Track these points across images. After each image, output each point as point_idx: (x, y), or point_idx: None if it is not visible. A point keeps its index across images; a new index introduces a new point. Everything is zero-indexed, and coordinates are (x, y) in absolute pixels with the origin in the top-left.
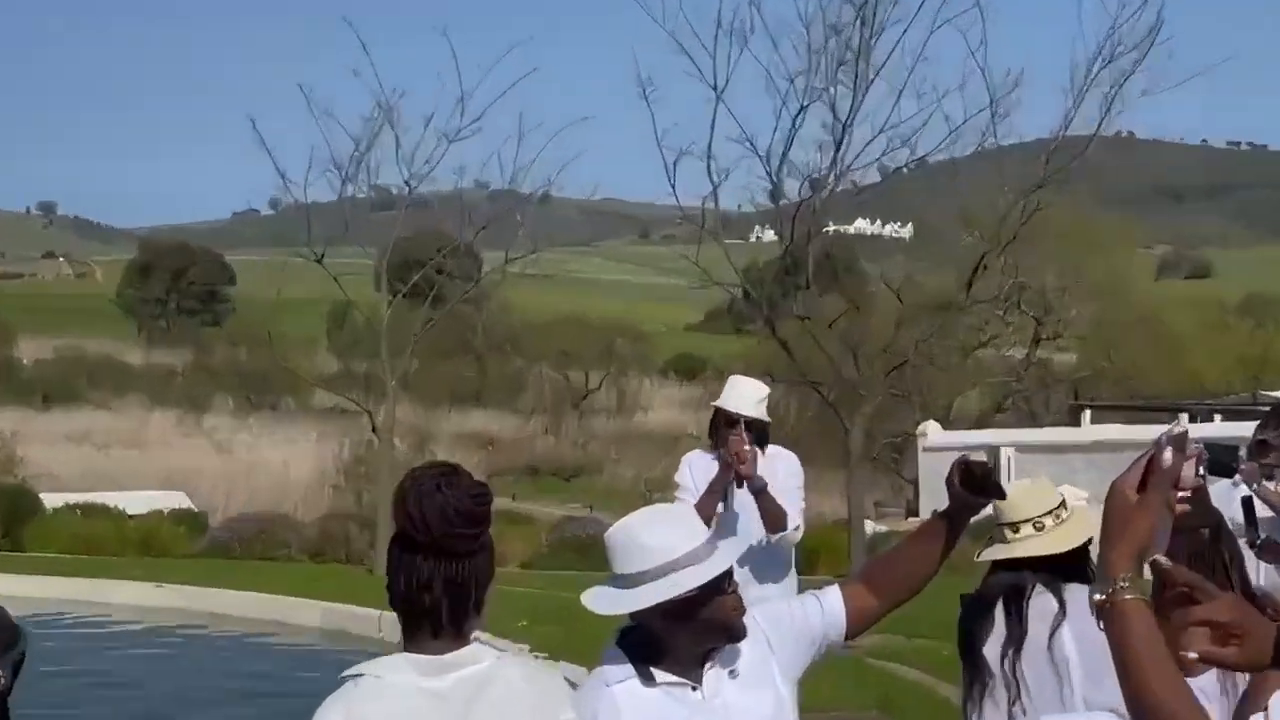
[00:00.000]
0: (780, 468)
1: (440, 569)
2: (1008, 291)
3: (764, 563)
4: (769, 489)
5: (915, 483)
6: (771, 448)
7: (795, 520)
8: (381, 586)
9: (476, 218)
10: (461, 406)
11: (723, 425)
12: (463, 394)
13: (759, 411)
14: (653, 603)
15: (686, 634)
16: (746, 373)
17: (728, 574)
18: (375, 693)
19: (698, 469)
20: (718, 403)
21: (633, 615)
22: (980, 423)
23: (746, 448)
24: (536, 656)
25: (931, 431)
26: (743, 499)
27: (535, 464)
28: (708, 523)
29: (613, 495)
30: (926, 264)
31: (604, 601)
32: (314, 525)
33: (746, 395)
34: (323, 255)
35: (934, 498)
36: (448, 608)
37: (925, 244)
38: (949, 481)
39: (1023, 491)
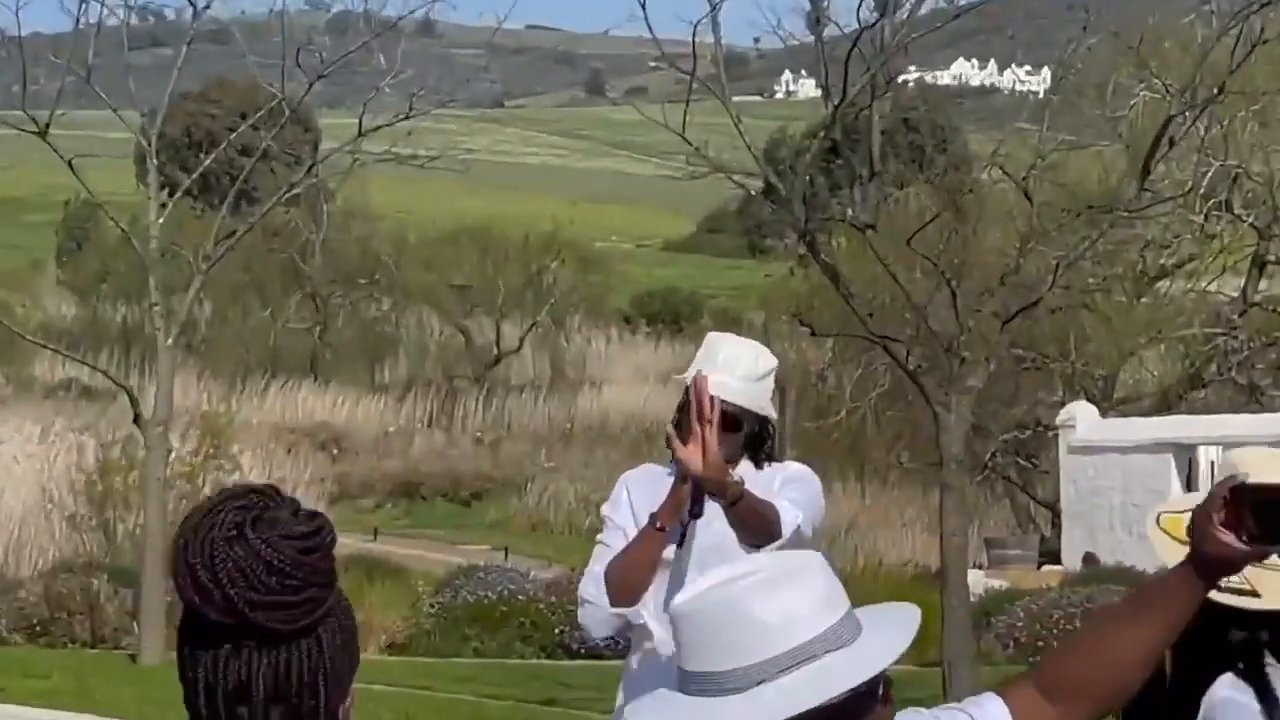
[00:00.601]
0: (779, 478)
1: (258, 664)
2: (1211, 182)
3: None
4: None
5: (1055, 508)
6: (778, 464)
7: (794, 514)
8: (155, 684)
9: (309, 62)
10: (288, 382)
11: (692, 418)
12: (288, 361)
13: (754, 396)
14: (787, 715)
15: None
16: (761, 326)
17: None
18: None
19: (641, 494)
20: (688, 376)
21: None
22: (1165, 404)
23: (712, 417)
24: None
25: (1083, 420)
26: (715, 537)
27: (413, 478)
28: (643, 582)
29: (539, 529)
30: (1073, 137)
31: None
32: (34, 583)
33: (733, 366)
34: (48, 125)
35: (1089, 533)
36: None
37: (1072, 105)
38: (1201, 519)
39: None
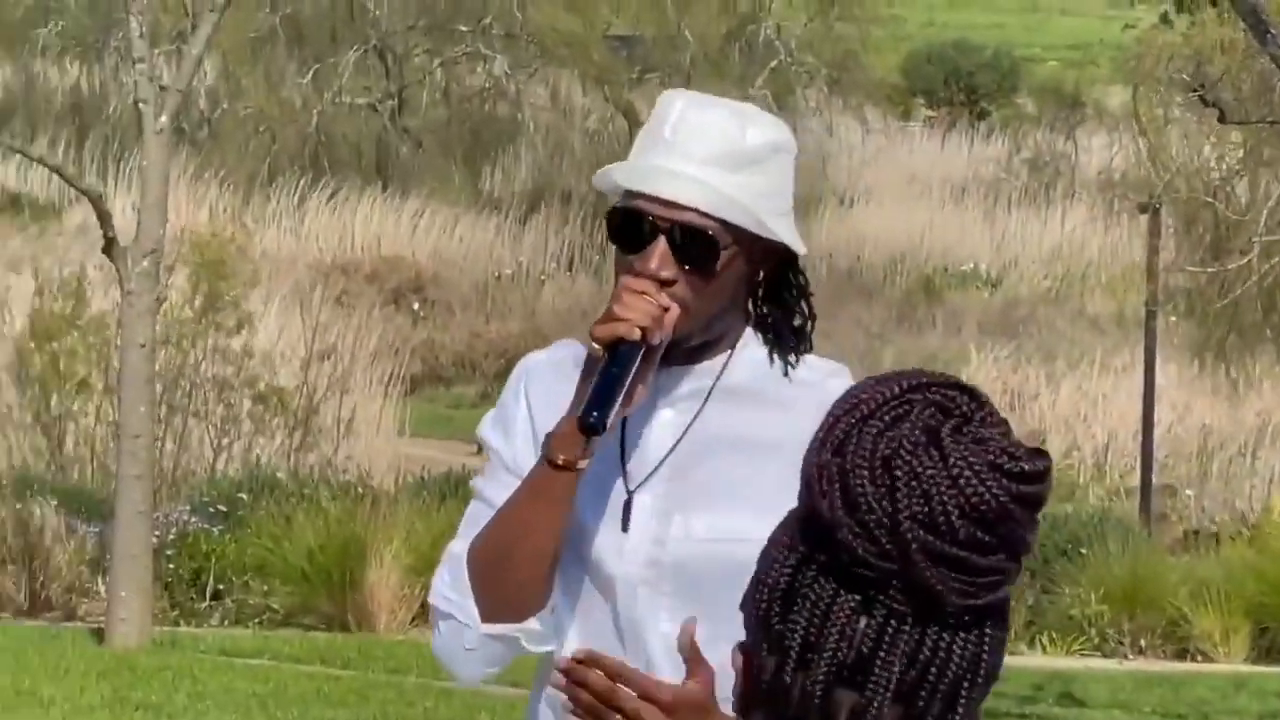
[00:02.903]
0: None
1: (894, 638)
2: None
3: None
4: None
5: None
6: (811, 366)
7: None
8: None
9: None
10: (339, 191)
11: (620, 249)
12: (340, 158)
13: (736, 196)
14: None
15: None
16: (1124, 108)
17: None
18: None
19: (550, 399)
20: (615, 177)
21: None
22: None
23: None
24: None
25: None
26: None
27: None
28: (536, 569)
29: None
30: None
31: None
32: None
33: (692, 141)
34: None
35: None
36: None
37: None
38: None
39: None
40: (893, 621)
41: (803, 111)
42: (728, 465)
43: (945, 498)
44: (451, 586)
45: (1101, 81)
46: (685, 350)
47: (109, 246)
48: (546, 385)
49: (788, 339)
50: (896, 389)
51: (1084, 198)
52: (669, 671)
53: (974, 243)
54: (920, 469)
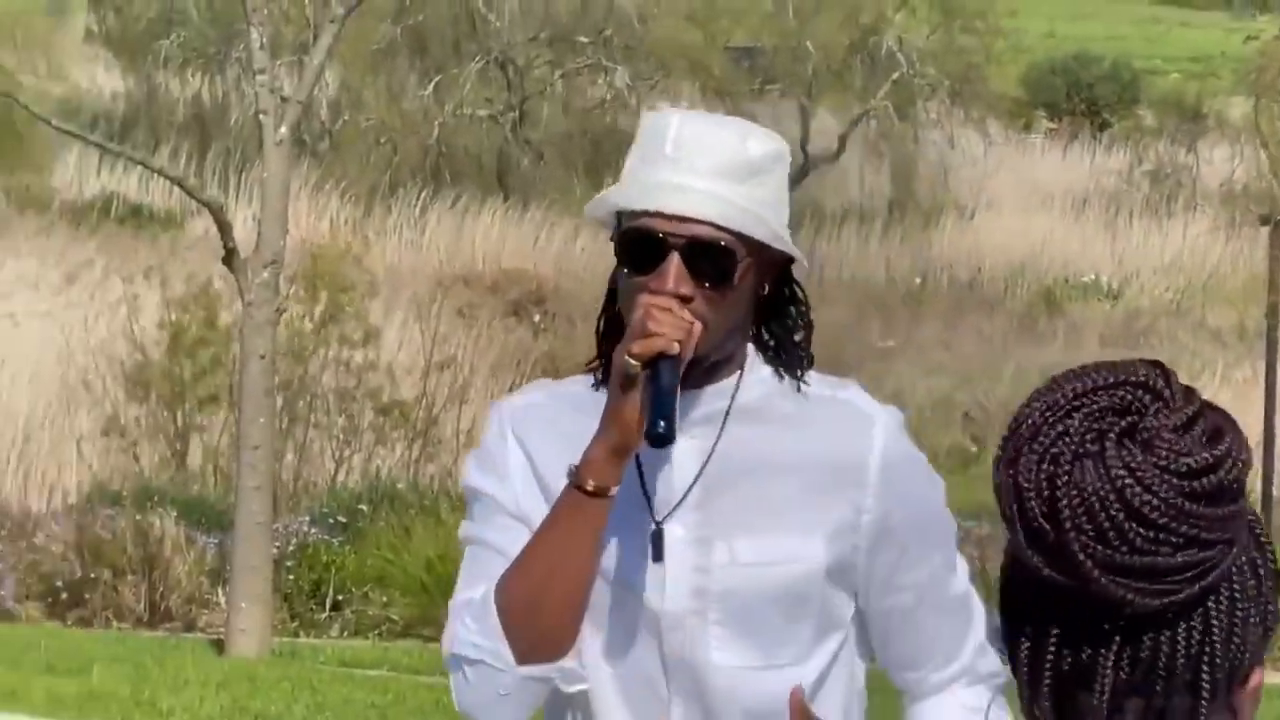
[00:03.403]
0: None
1: (1106, 647)
2: None
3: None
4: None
5: None
6: (817, 381)
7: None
8: (256, 687)
9: None
10: (459, 202)
11: (630, 272)
12: (461, 169)
13: (746, 208)
14: None
15: None
16: (1245, 120)
17: None
18: None
19: (541, 439)
20: (617, 200)
21: None
22: None
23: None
24: None
25: None
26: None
27: None
28: (573, 604)
29: None
30: None
31: None
32: (57, 524)
33: (695, 155)
34: None
35: None
36: None
37: None
38: None
39: None
40: (1093, 631)
41: (924, 123)
42: (757, 487)
43: (1112, 510)
44: (479, 633)
45: (1223, 93)
46: (700, 371)
47: (229, 258)
48: (537, 425)
49: (793, 354)
50: (1066, 395)
51: (1205, 209)
52: (724, 702)
53: (1095, 254)
54: (1082, 482)
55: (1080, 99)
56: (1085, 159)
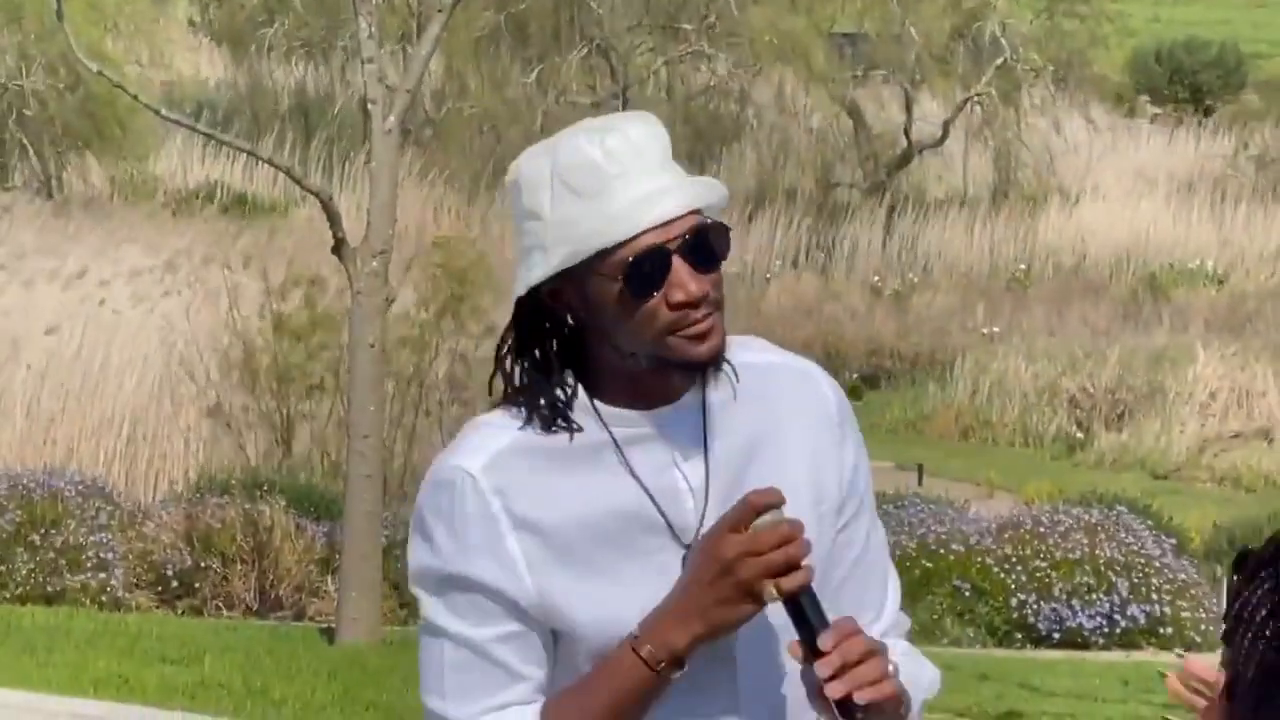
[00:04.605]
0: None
1: None
2: None
3: None
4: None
5: None
6: (741, 343)
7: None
8: (365, 675)
9: None
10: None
11: (637, 298)
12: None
13: (703, 186)
14: None
15: None
16: None
17: None
18: None
19: (530, 501)
20: (599, 243)
21: None
22: None
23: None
24: None
25: None
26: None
27: None
28: None
29: (975, 435)
30: None
31: None
32: (166, 514)
33: (639, 160)
34: None
35: None
36: None
37: None
38: None
39: None
40: None
41: (1028, 109)
42: (758, 478)
43: None
44: None
45: None
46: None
47: (338, 247)
48: (516, 487)
49: None
50: None
51: None
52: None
53: (1200, 240)
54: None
55: (1185, 84)
56: (1190, 144)
